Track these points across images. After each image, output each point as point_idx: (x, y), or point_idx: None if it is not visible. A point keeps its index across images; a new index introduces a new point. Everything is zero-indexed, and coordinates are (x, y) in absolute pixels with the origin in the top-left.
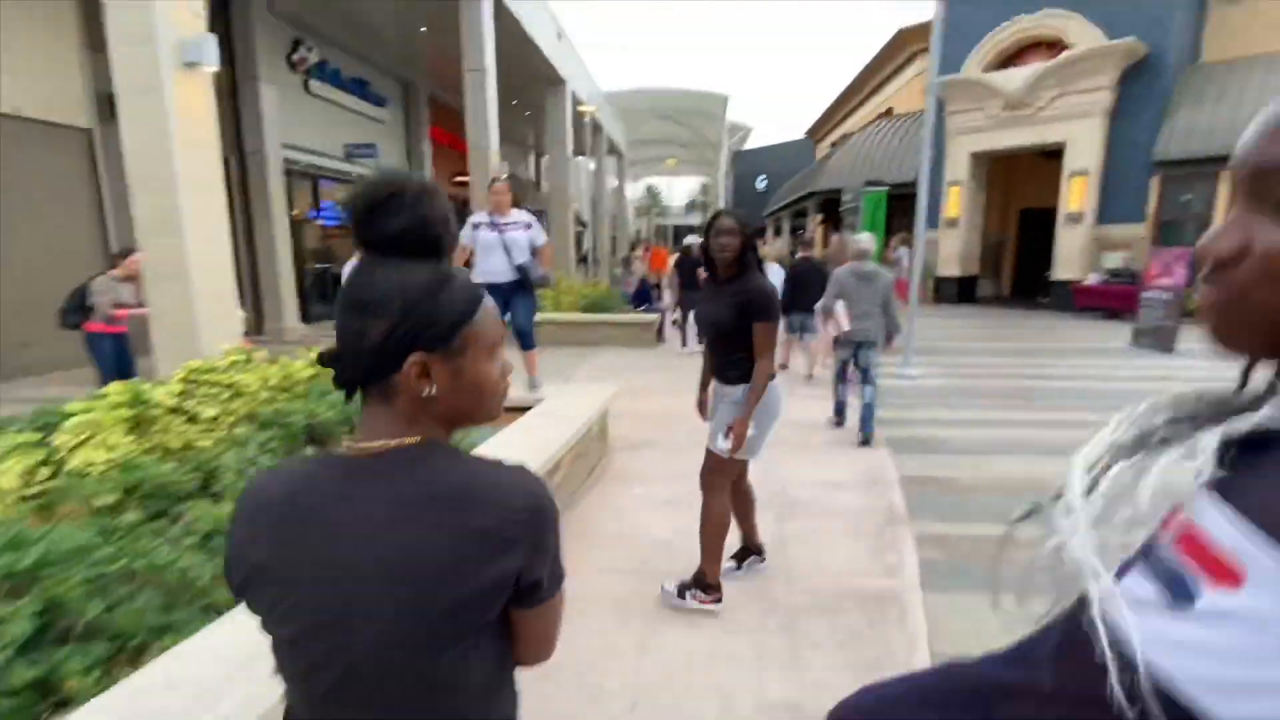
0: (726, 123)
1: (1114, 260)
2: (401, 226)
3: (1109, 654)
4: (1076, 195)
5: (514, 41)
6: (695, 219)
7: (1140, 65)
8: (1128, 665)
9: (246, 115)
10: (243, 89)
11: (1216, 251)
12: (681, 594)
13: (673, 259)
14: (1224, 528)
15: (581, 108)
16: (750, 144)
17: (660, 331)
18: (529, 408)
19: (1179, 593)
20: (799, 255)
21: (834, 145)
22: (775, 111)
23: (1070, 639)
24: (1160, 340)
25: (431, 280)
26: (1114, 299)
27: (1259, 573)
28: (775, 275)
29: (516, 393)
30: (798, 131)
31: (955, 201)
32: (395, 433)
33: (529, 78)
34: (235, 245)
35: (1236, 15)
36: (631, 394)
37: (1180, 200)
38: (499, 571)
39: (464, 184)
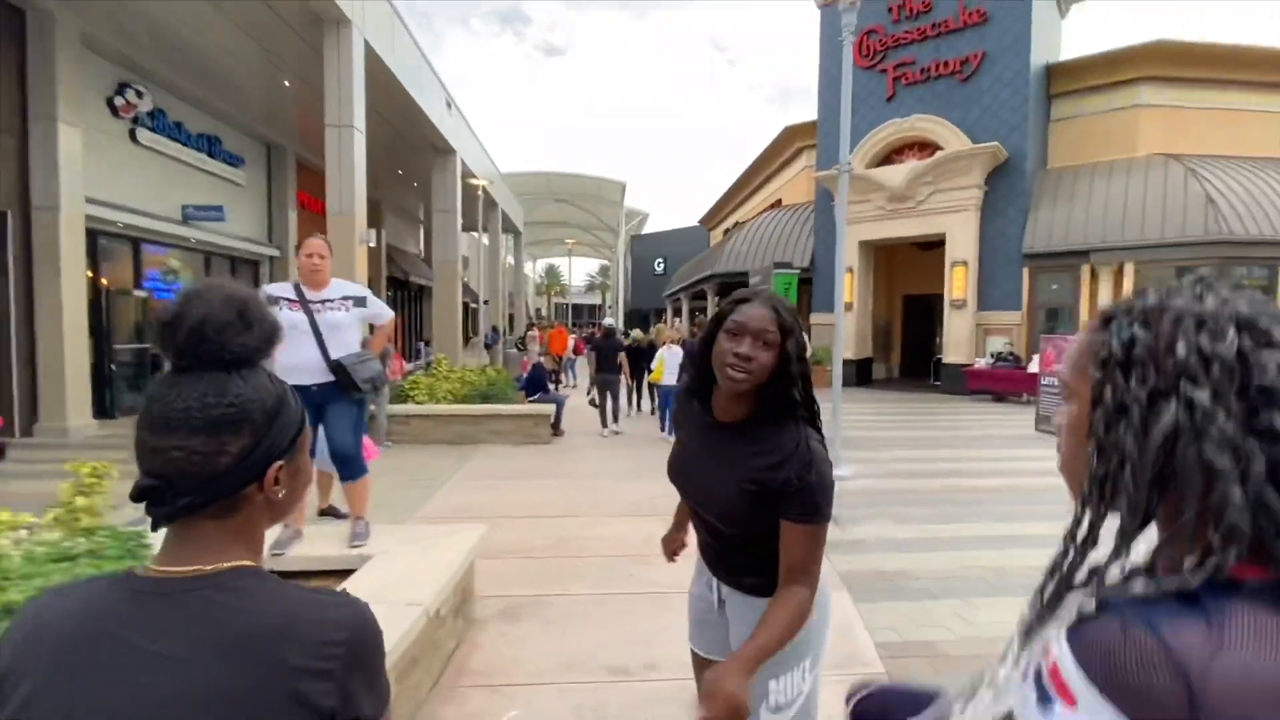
0: (624, 207)
1: (997, 344)
2: (255, 343)
3: None
4: (959, 283)
5: (398, 107)
6: (595, 299)
7: (1003, 167)
8: None
9: (36, 161)
10: (33, 129)
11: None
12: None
13: (573, 339)
14: (1067, 663)
15: (473, 180)
16: (647, 229)
17: (556, 425)
18: (349, 571)
19: (1045, 700)
20: (699, 336)
21: (726, 232)
22: (670, 199)
23: None
24: None
25: (278, 388)
26: (1001, 381)
27: (1083, 698)
28: (675, 357)
29: (330, 549)
30: (691, 218)
31: (850, 286)
32: (220, 552)
33: (416, 146)
34: (2, 321)
35: (1073, 128)
36: (513, 516)
37: (1050, 289)
38: (312, 713)
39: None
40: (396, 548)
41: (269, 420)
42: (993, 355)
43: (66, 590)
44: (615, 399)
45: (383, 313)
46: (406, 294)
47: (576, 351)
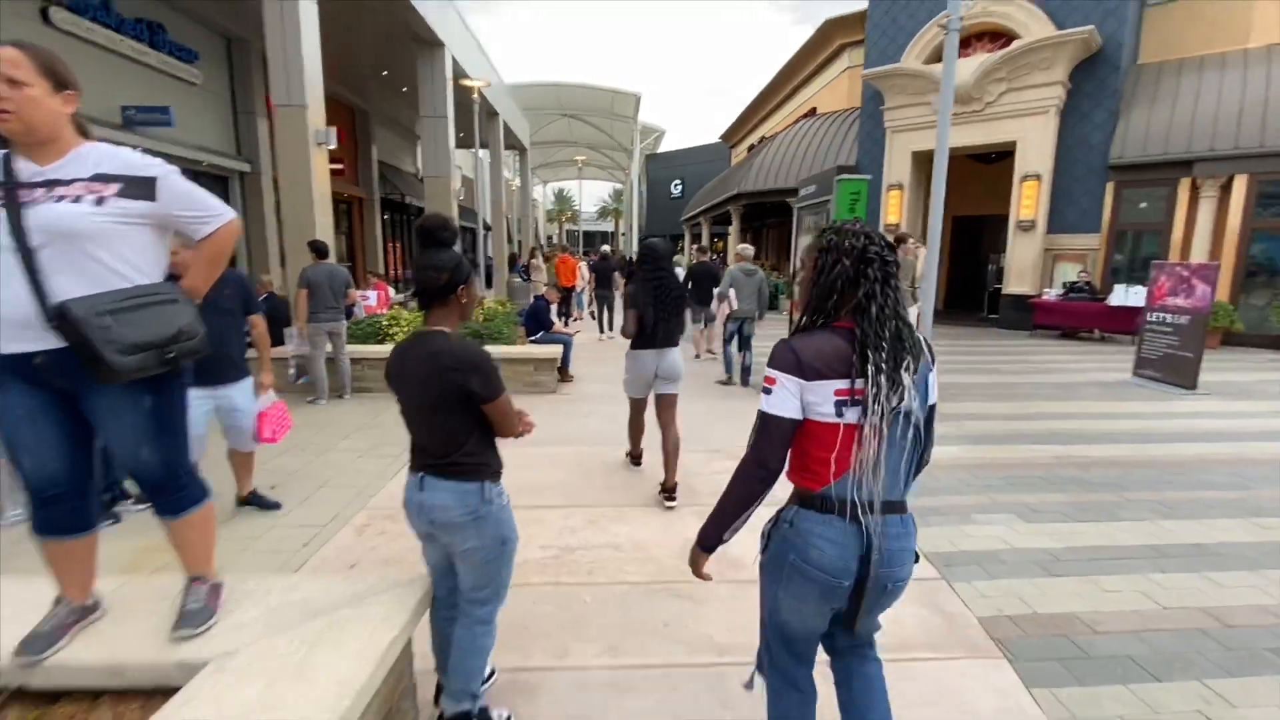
0: (639, 123)
1: (1070, 273)
2: (450, 236)
3: None
4: (1029, 201)
5: None
6: (608, 225)
7: (1092, 60)
8: None
9: None
10: None
11: None
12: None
13: (583, 265)
14: (766, 371)
15: (467, 82)
16: (664, 147)
17: (564, 368)
18: (157, 694)
19: (765, 391)
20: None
21: (752, 149)
22: (688, 114)
23: None
24: (1177, 374)
25: (459, 255)
26: (1075, 317)
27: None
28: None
29: (134, 648)
30: (710, 136)
31: (896, 206)
32: (440, 322)
33: (396, 36)
34: None
35: (1171, 15)
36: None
37: (1138, 207)
38: (456, 386)
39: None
40: (262, 642)
41: (456, 266)
42: (1064, 285)
43: (408, 336)
44: (610, 310)
45: (201, 212)
46: (403, 217)
47: (597, 282)
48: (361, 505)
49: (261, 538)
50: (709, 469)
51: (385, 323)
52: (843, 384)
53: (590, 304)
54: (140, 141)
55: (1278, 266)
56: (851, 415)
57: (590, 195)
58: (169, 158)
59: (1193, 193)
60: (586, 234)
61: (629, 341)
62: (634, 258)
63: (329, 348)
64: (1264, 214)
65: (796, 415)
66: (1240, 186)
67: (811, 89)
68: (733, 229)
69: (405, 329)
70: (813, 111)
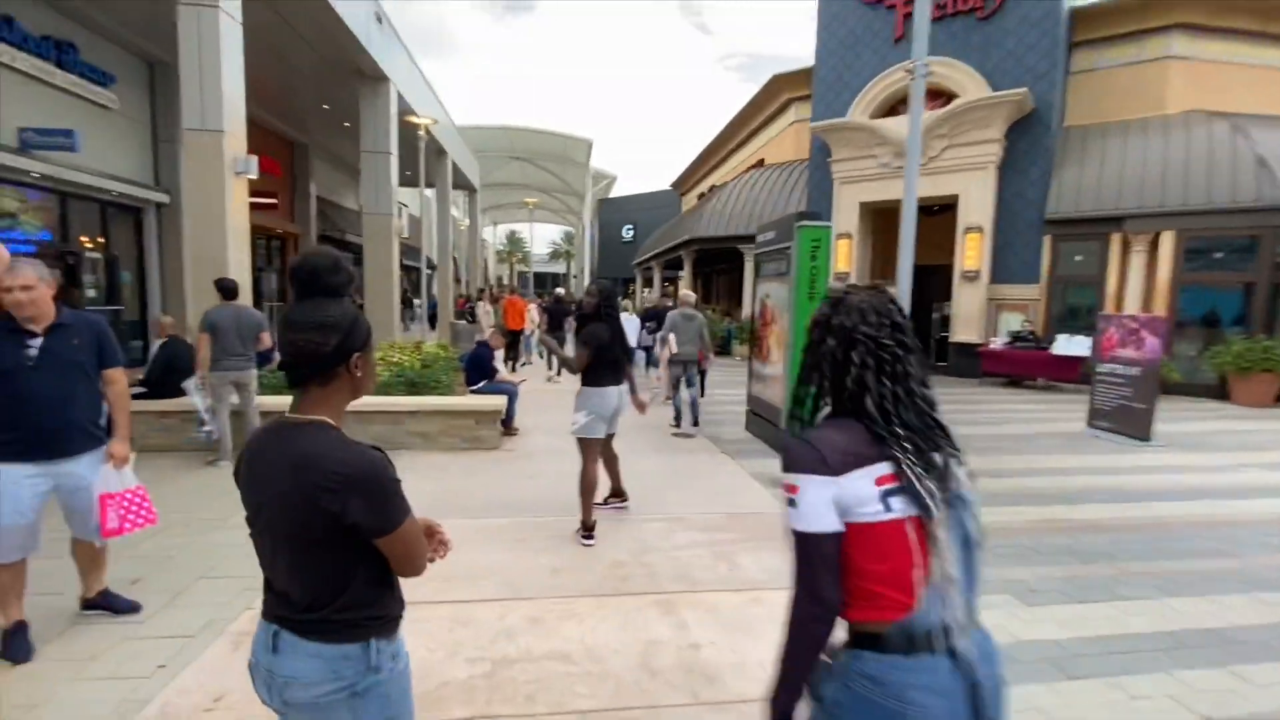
0: (591, 169)
1: (1013, 322)
2: (341, 282)
3: None
4: (973, 252)
5: (308, 12)
6: (560, 267)
7: (1026, 121)
8: None
9: None
10: None
11: None
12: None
13: (532, 307)
14: (784, 477)
15: (414, 118)
16: (615, 193)
17: (508, 421)
18: None
19: (790, 503)
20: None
21: (702, 196)
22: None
23: None
24: (1131, 426)
25: (355, 310)
26: (1021, 365)
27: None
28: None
29: None
30: (661, 183)
31: (845, 255)
32: (317, 408)
33: (337, 69)
34: None
35: (1092, 83)
36: (423, 604)
37: (1074, 260)
38: (324, 513)
39: (252, 205)
40: None
41: (351, 327)
42: (1010, 334)
43: (264, 425)
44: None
45: None
46: (345, 255)
47: (550, 324)
48: (246, 605)
49: (103, 656)
50: (670, 543)
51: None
52: (884, 468)
53: (539, 348)
54: (36, 166)
55: (1208, 318)
56: (902, 506)
57: (542, 237)
58: (74, 185)
59: (1124, 247)
60: (538, 275)
61: (578, 384)
62: (583, 300)
63: (235, 399)
64: (1191, 268)
65: (836, 526)
66: (1168, 241)
67: (760, 140)
68: (684, 273)
69: None
70: (761, 162)
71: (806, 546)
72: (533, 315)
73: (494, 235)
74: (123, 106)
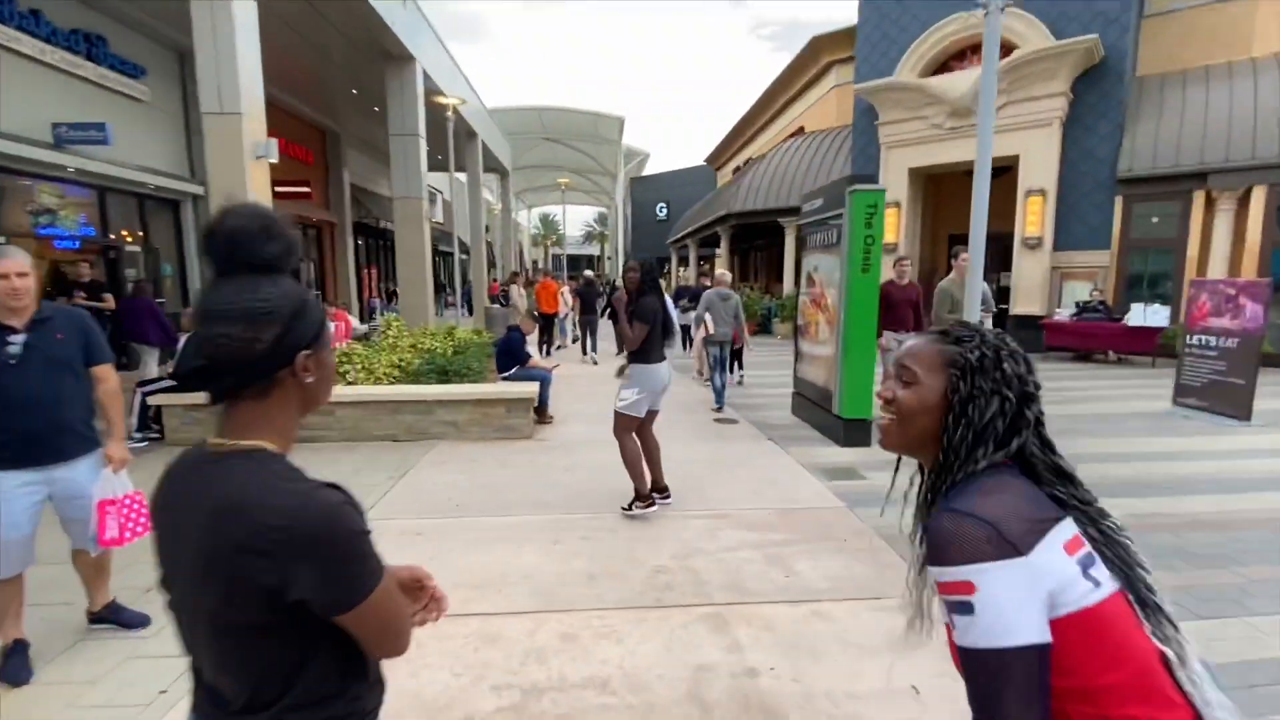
0: (623, 147)
1: (1081, 291)
2: (276, 253)
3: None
4: (1034, 217)
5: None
6: (594, 249)
7: (1094, 71)
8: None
9: None
10: None
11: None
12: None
13: (565, 290)
14: (944, 573)
15: (441, 98)
16: (648, 170)
17: (542, 409)
18: None
19: (961, 609)
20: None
21: (738, 170)
22: (671, 141)
23: None
24: (1228, 403)
25: (301, 290)
26: (1090, 338)
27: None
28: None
29: None
30: (694, 159)
31: (893, 225)
32: (249, 430)
33: (362, 51)
34: None
35: (1169, 26)
36: (447, 616)
37: (1150, 222)
38: (253, 585)
39: (285, 195)
40: None
41: (293, 315)
42: (1077, 305)
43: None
44: (594, 335)
45: None
46: (379, 242)
47: (582, 308)
48: None
49: (103, 679)
50: (716, 544)
51: (337, 361)
52: (1068, 528)
53: (575, 330)
54: (72, 161)
55: None
56: (1105, 575)
57: (575, 219)
58: (109, 180)
59: (1208, 206)
60: (572, 258)
61: (623, 363)
62: (619, 279)
63: None
64: None
65: (1042, 636)
66: (1259, 198)
67: (799, 108)
68: (721, 250)
69: (360, 368)
70: (800, 130)
71: (1007, 673)
72: (567, 298)
73: (528, 218)
74: (155, 98)
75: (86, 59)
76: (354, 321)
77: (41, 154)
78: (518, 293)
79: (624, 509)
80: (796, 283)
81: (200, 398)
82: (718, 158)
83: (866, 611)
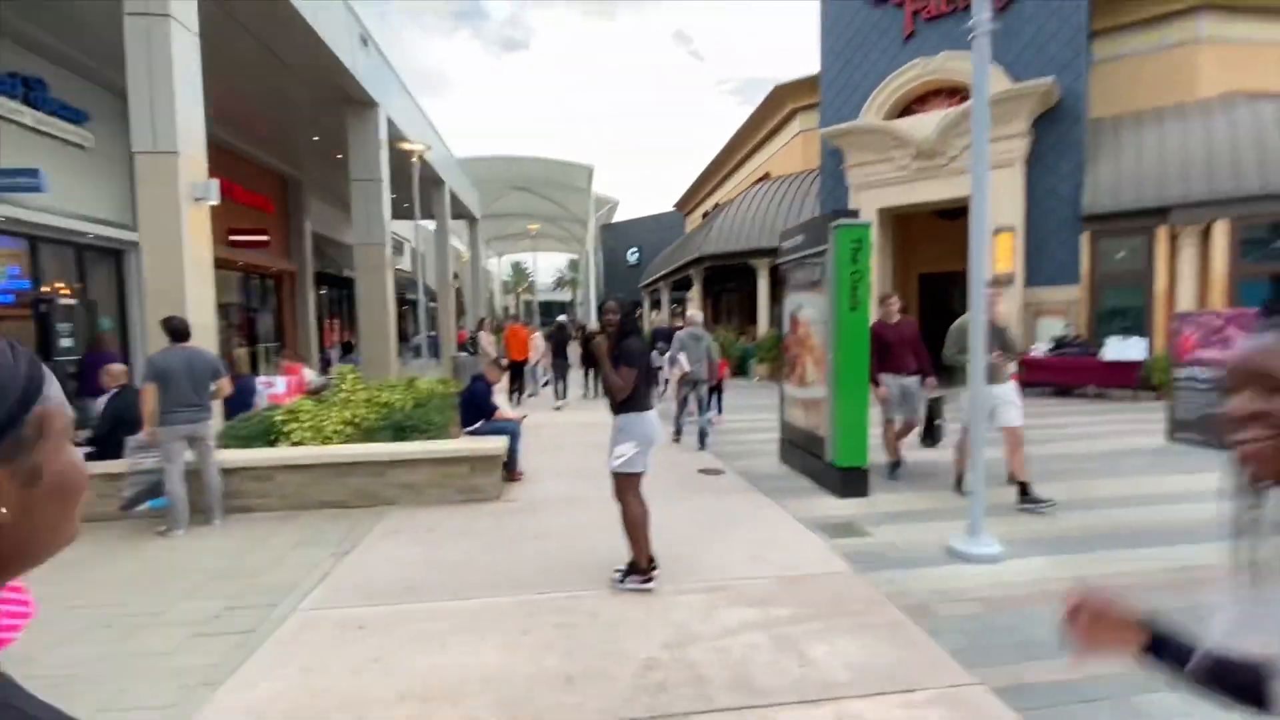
0: (592, 194)
1: (1055, 327)
2: None
3: None
4: (1004, 254)
5: (284, 31)
6: (566, 295)
7: (1052, 114)
8: None
9: None
10: None
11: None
12: (622, 580)
13: (536, 336)
14: None
15: (406, 144)
16: (618, 217)
17: (511, 465)
18: None
19: None
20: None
21: (706, 215)
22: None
23: None
24: (1220, 434)
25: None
26: (1069, 373)
27: None
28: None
29: None
30: (663, 205)
31: None
32: None
33: (323, 96)
34: None
35: (1117, 71)
36: None
37: (1115, 257)
38: None
39: (241, 243)
40: None
41: None
42: (1053, 340)
43: None
44: (564, 380)
45: None
46: (342, 292)
47: (555, 352)
48: None
49: None
50: (715, 626)
51: (280, 418)
52: None
53: (546, 375)
54: (1, 210)
55: (1271, 311)
56: None
57: (547, 266)
58: (46, 229)
59: (1172, 240)
60: (544, 304)
61: (589, 413)
62: (598, 322)
63: (189, 456)
64: (1252, 259)
65: None
66: (1221, 231)
67: (764, 154)
68: (694, 293)
69: (305, 427)
70: (766, 176)
71: None
72: (538, 344)
73: (499, 265)
74: (99, 144)
75: (24, 104)
76: (309, 375)
77: None
78: (486, 339)
79: (616, 580)
80: (772, 323)
81: (121, 465)
82: (686, 203)
83: (900, 710)
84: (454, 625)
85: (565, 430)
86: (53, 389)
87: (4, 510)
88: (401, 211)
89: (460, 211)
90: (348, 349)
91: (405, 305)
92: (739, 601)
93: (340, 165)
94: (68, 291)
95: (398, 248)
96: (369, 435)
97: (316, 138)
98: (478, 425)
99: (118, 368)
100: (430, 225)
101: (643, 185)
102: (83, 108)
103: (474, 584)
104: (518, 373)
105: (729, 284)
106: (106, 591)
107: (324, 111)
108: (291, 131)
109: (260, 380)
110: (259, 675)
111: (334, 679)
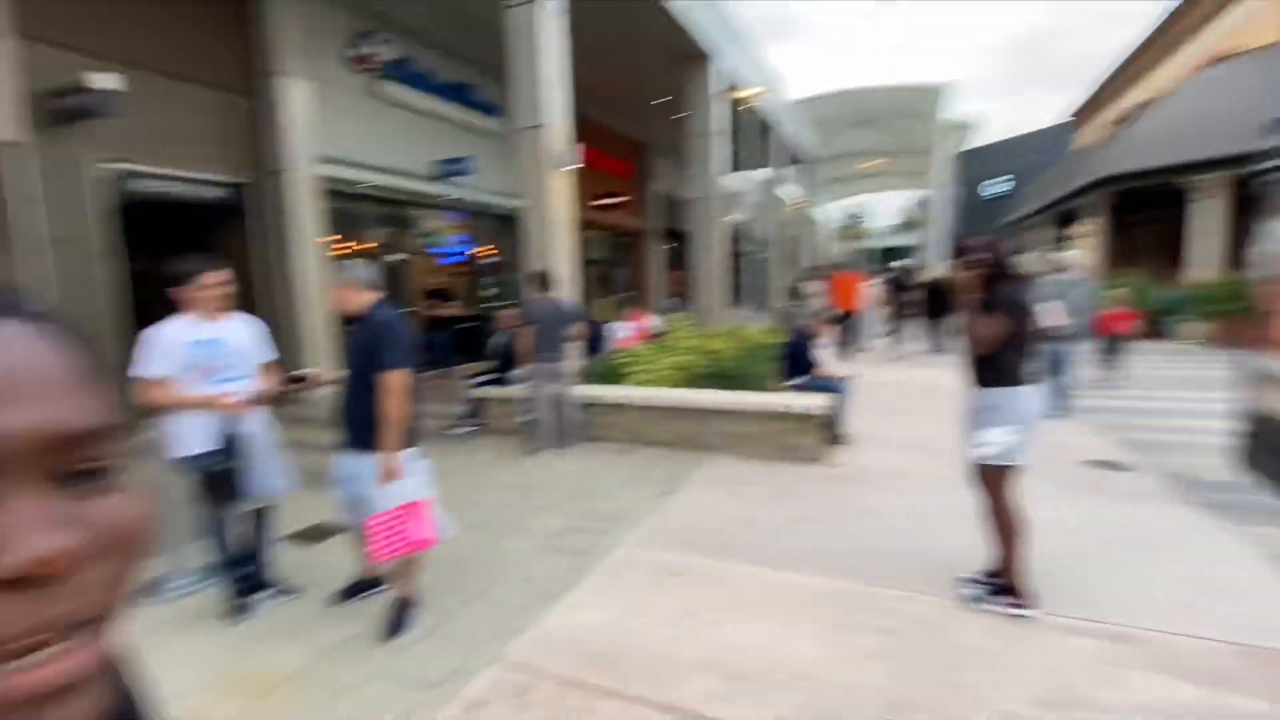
0: (943, 120)
1: None
2: None
3: None
4: None
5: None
6: (907, 239)
7: None
8: None
9: (269, 122)
10: (263, 88)
11: None
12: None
13: (870, 284)
14: None
15: (737, 93)
16: (975, 144)
17: (836, 426)
18: None
19: None
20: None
21: (1120, 122)
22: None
23: None
24: None
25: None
26: None
27: None
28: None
29: None
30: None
31: None
32: None
33: (663, 56)
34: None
35: None
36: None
37: None
38: None
39: (606, 207)
40: None
41: None
42: None
43: None
44: (904, 333)
45: None
46: (682, 247)
47: (897, 304)
48: (502, 648)
49: (352, 691)
50: (1119, 692)
51: (622, 361)
52: None
53: (883, 326)
54: (448, 191)
55: None
56: None
57: (887, 207)
58: (472, 204)
59: None
60: (882, 250)
61: (933, 380)
62: (941, 273)
63: (552, 389)
64: None
65: None
66: None
67: (1215, 30)
68: (1089, 227)
69: (641, 370)
70: (1221, 59)
71: None
72: (871, 293)
73: (832, 210)
74: (503, 129)
75: (459, 105)
76: (651, 322)
77: (428, 187)
78: (814, 289)
79: (970, 592)
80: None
81: (513, 392)
82: (1089, 111)
83: None
84: (765, 597)
85: (903, 392)
86: None
87: None
88: (739, 162)
89: (795, 156)
90: (683, 298)
91: (737, 256)
92: (1161, 666)
93: (681, 125)
94: (491, 253)
95: (731, 200)
96: (695, 382)
97: (660, 100)
98: (800, 380)
99: (510, 313)
100: (764, 174)
101: (1008, 105)
102: (496, 101)
103: (788, 555)
104: (847, 325)
105: (1137, 215)
106: (494, 494)
107: (664, 72)
108: (640, 97)
109: (611, 326)
110: (587, 600)
111: (647, 624)
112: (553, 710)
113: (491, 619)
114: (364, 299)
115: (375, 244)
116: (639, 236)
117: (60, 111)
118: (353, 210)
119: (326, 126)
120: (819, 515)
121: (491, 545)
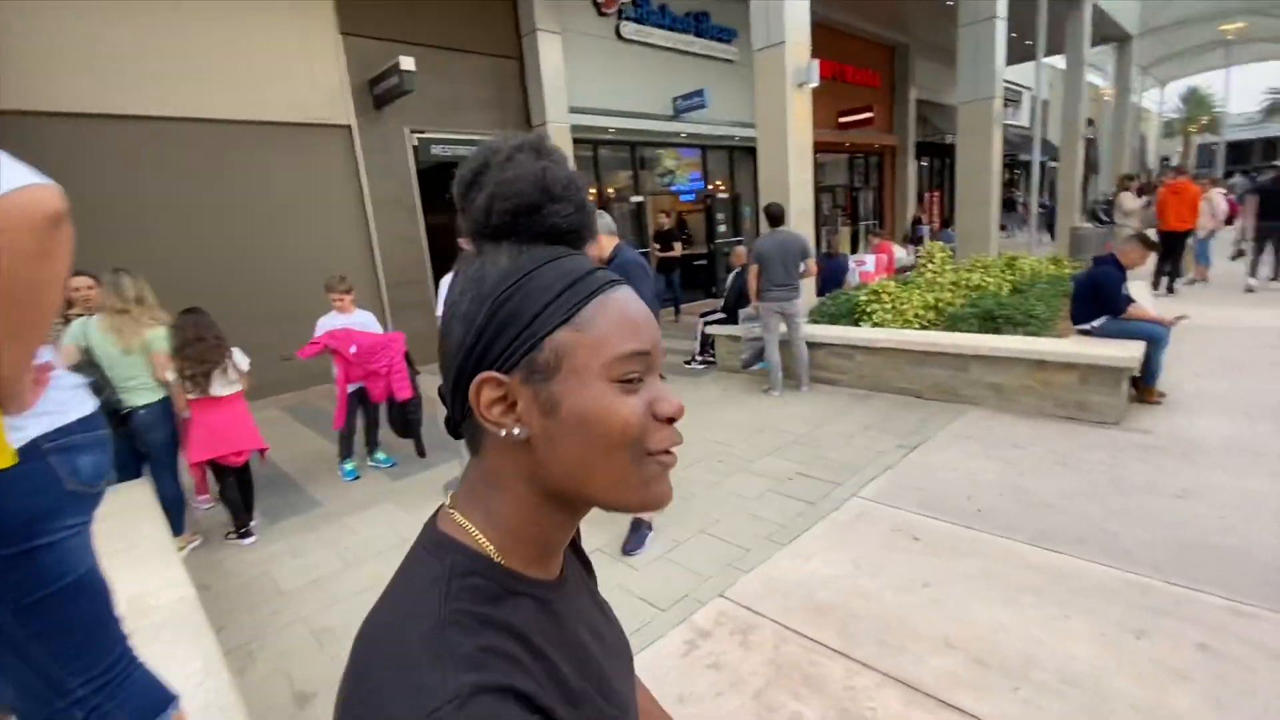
0: None
1: None
2: (566, 222)
3: None
4: None
5: None
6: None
7: None
8: None
9: (533, 78)
10: (527, 46)
11: None
12: None
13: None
14: None
15: None
16: None
17: (1148, 380)
18: None
19: None
20: None
21: None
22: None
23: None
24: None
25: (530, 262)
26: None
27: None
28: None
29: None
30: None
31: None
32: (477, 505)
33: None
34: None
35: None
36: None
37: None
38: None
39: (849, 124)
40: None
41: (485, 309)
42: None
43: None
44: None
45: None
46: (944, 162)
47: (1262, 216)
48: (728, 584)
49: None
50: None
51: (864, 298)
52: None
53: (1237, 247)
54: (683, 128)
55: None
56: None
57: (1245, 88)
58: (705, 138)
59: None
60: (1236, 145)
61: None
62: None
63: (783, 329)
64: None
65: None
66: None
67: None
68: None
69: (886, 309)
70: None
71: None
72: (1216, 206)
73: (1161, 98)
74: (742, 57)
75: (695, 36)
76: (899, 253)
77: (665, 125)
78: (1131, 205)
79: None
80: None
81: (738, 330)
82: None
83: None
84: (1026, 580)
85: (1254, 338)
86: (605, 310)
87: (527, 428)
88: (1023, 51)
89: (1108, 33)
90: (946, 224)
91: (1017, 169)
92: None
93: (948, 14)
94: (723, 187)
95: (1012, 99)
96: (953, 323)
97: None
98: (1098, 323)
99: (741, 249)
100: (1060, 62)
101: None
102: (732, 25)
103: (1064, 534)
104: (1173, 250)
105: None
106: (721, 431)
107: None
108: None
109: (853, 259)
110: (816, 550)
111: (880, 586)
112: (775, 656)
113: (719, 554)
114: (606, 245)
115: (615, 188)
116: (888, 155)
117: (380, 95)
118: (596, 156)
119: (575, 77)
120: (1113, 490)
121: (717, 482)
